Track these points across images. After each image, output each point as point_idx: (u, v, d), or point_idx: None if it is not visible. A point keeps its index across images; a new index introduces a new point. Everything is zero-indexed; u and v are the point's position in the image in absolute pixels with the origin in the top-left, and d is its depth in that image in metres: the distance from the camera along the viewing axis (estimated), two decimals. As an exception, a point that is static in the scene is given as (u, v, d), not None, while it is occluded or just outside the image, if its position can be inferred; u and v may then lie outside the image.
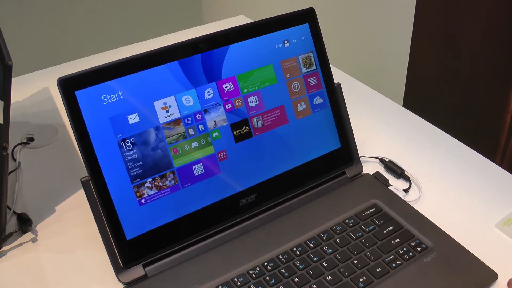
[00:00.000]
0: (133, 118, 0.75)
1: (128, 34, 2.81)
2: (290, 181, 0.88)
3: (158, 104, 0.77)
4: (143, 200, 0.76)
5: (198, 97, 0.80)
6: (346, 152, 0.93)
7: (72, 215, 0.92)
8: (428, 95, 1.56)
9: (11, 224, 0.90)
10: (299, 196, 0.89)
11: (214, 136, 0.81)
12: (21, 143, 1.09)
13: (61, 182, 1.00)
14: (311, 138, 0.89)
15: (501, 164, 0.99)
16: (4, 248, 0.86)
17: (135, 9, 2.86)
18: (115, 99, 0.74)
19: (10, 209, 0.91)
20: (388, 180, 0.93)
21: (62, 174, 1.02)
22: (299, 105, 0.88)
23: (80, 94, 0.72)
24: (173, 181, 0.78)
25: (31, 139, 1.11)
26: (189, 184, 0.79)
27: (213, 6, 3.01)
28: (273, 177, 0.86)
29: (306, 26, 0.88)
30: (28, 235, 0.88)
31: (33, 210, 0.92)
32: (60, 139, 1.12)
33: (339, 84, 0.91)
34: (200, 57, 0.80)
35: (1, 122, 0.79)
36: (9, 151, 1.03)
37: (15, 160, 1.04)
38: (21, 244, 0.87)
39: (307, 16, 0.89)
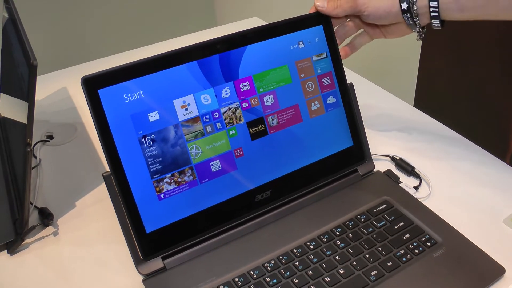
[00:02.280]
0: (153, 116, 0.78)
1: (143, 35, 2.83)
2: (304, 177, 0.90)
3: (177, 103, 0.79)
4: (162, 195, 0.79)
5: (216, 96, 0.82)
6: (358, 150, 0.95)
7: (92, 210, 0.95)
8: (438, 95, 1.57)
9: (33, 218, 0.92)
10: (313, 192, 0.91)
11: (231, 133, 0.83)
12: (41, 141, 1.12)
13: (80, 178, 1.03)
14: (324, 136, 0.91)
15: (511, 163, 1.01)
16: (26, 240, 0.88)
17: (150, 11, 2.89)
18: (136, 97, 0.77)
19: (32, 204, 0.94)
20: (399, 178, 0.95)
21: (81, 170, 1.05)
22: (313, 104, 0.90)
23: (102, 93, 0.74)
24: (191, 177, 0.81)
25: (50, 137, 1.14)
26: (207, 180, 0.82)
27: (226, 9, 3.02)
28: (287, 174, 0.88)
29: (320, 28, 0.91)
30: (50, 229, 0.91)
31: (54, 205, 0.95)
32: (79, 137, 1.14)
33: (351, 84, 0.93)
34: (218, 57, 0.82)
35: (25, 122, 0.82)
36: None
37: (35, 157, 1.07)
38: (43, 237, 0.89)
39: (322, 19, 0.91)
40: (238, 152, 0.84)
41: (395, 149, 1.03)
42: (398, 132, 1.10)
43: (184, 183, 0.80)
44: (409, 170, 0.97)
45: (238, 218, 0.85)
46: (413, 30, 0.95)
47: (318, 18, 0.91)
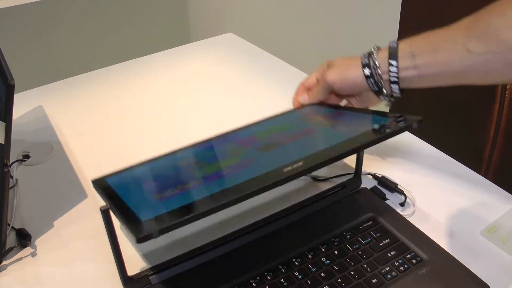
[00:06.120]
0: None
1: (117, 52, 2.83)
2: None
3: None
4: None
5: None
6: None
7: (70, 230, 0.93)
8: (413, 109, 1.57)
9: (10, 239, 0.90)
10: (300, 209, 0.90)
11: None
12: (17, 161, 1.10)
13: (57, 197, 1.01)
14: None
15: (486, 175, 1.02)
16: (4, 262, 0.86)
17: (124, 27, 2.88)
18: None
19: (9, 225, 0.92)
20: (385, 194, 0.95)
21: (59, 190, 1.03)
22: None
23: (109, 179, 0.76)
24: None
25: (27, 157, 1.12)
26: None
27: (200, 24, 3.02)
28: None
29: None
30: (28, 250, 0.89)
31: (31, 226, 0.93)
32: (56, 155, 1.13)
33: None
34: None
35: (3, 142, 0.80)
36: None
37: (12, 177, 1.05)
38: (20, 259, 0.87)
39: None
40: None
41: (375, 167, 1.03)
42: (376, 148, 1.09)
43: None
44: (393, 187, 0.97)
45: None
46: (380, 97, 0.95)
47: None
